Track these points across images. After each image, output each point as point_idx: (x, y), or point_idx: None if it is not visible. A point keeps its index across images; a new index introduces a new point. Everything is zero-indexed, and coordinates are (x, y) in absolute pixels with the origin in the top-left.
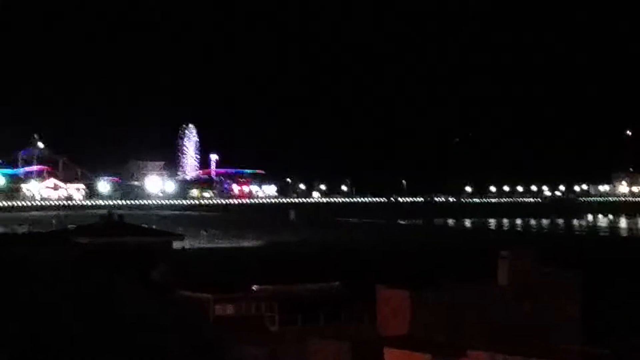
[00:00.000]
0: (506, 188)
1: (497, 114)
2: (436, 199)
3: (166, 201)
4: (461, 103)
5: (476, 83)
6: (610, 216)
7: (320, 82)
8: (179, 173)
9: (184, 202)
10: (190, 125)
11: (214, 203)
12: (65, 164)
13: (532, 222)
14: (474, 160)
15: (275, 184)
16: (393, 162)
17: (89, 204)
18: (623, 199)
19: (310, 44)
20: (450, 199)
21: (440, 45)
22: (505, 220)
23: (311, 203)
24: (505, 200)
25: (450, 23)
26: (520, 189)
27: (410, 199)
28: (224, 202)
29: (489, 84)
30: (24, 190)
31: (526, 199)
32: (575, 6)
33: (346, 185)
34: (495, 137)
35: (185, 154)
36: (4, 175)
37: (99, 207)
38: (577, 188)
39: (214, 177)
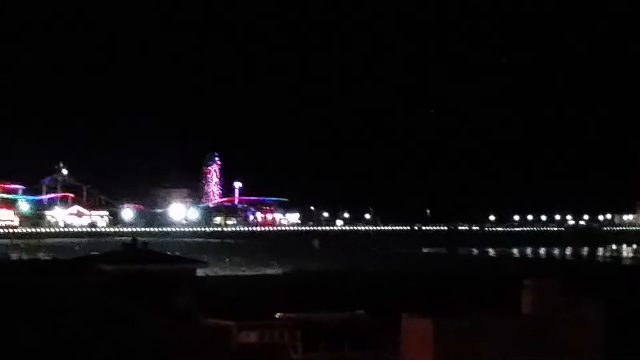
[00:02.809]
0: (530, 217)
1: (521, 142)
2: (460, 227)
3: (190, 228)
4: (481, 129)
5: (498, 108)
6: (635, 245)
7: (344, 109)
8: (202, 200)
9: (208, 229)
10: (214, 153)
11: (237, 230)
12: (89, 191)
13: (556, 251)
14: (498, 188)
15: (298, 211)
16: (417, 190)
17: (113, 231)
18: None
19: (333, 66)
20: (474, 228)
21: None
22: (528, 250)
23: (335, 231)
24: (529, 229)
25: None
26: (543, 217)
27: (434, 227)
28: (247, 229)
29: (512, 110)
30: (48, 217)
31: (550, 228)
32: (595, 16)
33: (369, 213)
34: (519, 166)
35: (209, 182)
36: (28, 202)
37: (123, 234)
38: (601, 217)
39: (238, 205)
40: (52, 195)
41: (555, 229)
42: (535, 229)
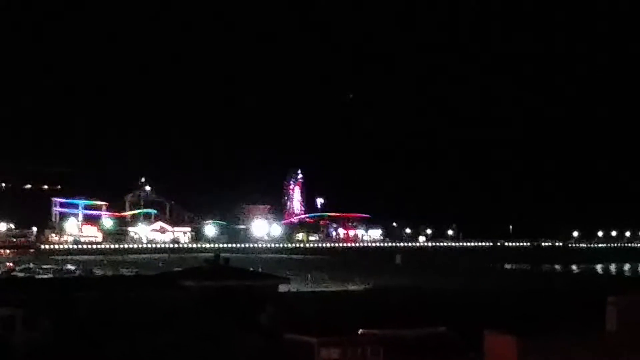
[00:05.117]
0: (614, 233)
1: (605, 159)
2: (543, 243)
3: (272, 245)
4: (566, 147)
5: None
6: None
7: (425, 126)
8: (285, 217)
9: (290, 245)
10: (297, 170)
11: (319, 247)
12: (172, 207)
13: None
14: (581, 205)
15: (381, 228)
16: (499, 207)
17: (195, 247)
18: None
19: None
20: (557, 244)
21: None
22: (612, 266)
23: (417, 247)
24: (613, 245)
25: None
26: (627, 234)
27: (517, 243)
28: (330, 245)
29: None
30: (131, 233)
31: (634, 244)
32: None
33: (452, 229)
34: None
35: (292, 198)
36: (112, 218)
37: (206, 250)
38: None
39: (320, 221)
40: (134, 211)
41: None
42: (619, 245)
